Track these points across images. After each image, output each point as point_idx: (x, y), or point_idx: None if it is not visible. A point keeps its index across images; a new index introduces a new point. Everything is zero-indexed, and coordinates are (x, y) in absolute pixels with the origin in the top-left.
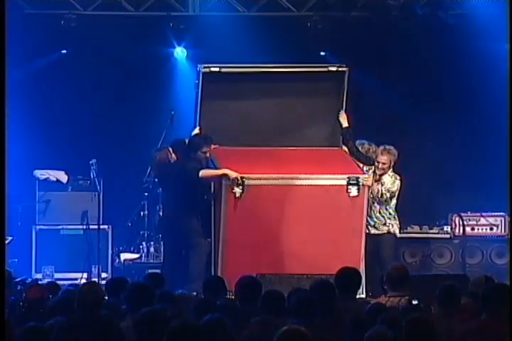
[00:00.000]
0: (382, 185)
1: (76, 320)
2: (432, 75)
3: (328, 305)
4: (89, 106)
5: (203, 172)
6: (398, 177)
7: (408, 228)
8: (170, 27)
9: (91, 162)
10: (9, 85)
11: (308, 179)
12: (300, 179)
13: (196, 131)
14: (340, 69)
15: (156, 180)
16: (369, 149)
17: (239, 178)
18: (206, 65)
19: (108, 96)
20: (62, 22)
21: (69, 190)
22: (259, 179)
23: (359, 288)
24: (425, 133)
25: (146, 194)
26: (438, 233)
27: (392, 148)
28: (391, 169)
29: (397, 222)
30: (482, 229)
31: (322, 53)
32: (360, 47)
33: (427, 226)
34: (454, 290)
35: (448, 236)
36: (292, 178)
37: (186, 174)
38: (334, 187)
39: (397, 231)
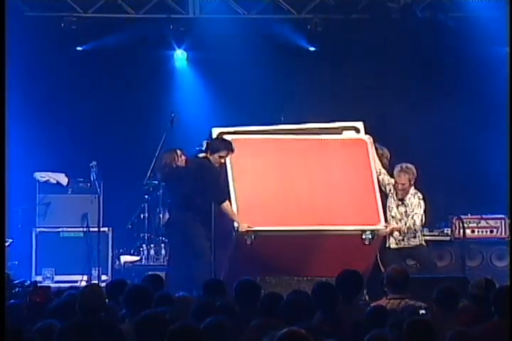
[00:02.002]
0: (405, 206)
1: (78, 322)
2: (432, 77)
3: (330, 307)
4: (90, 109)
5: (224, 206)
6: (421, 196)
7: None
8: (170, 29)
9: (91, 164)
10: (9, 87)
11: (322, 231)
12: (312, 231)
13: (216, 132)
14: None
15: (159, 181)
16: (382, 155)
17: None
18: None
19: (108, 99)
20: (63, 24)
21: (69, 192)
22: (271, 231)
23: (360, 291)
24: (425, 136)
25: (146, 196)
26: (438, 235)
27: (409, 166)
28: (412, 187)
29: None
30: (482, 232)
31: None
32: (360, 50)
33: (427, 229)
34: (451, 290)
35: (448, 238)
36: (305, 230)
37: (209, 189)
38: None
39: (424, 244)
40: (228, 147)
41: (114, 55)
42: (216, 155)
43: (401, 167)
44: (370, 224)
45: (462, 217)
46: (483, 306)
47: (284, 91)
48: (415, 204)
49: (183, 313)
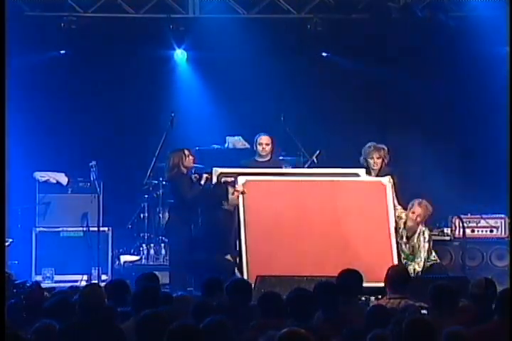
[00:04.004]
0: (412, 247)
1: (77, 322)
2: (432, 77)
3: (330, 307)
4: (90, 108)
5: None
6: (427, 237)
7: None
8: (170, 29)
9: (91, 164)
10: (9, 86)
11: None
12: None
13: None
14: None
15: (165, 182)
16: (384, 156)
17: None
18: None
19: (108, 98)
20: (63, 24)
21: (69, 192)
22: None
23: (360, 290)
24: (425, 135)
25: (146, 196)
26: (438, 235)
27: (425, 203)
28: (422, 225)
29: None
30: (482, 231)
31: (324, 54)
32: (360, 50)
33: (427, 228)
34: (446, 289)
35: (448, 238)
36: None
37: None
38: None
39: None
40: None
41: (114, 55)
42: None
43: (420, 202)
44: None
45: (462, 216)
46: (483, 306)
47: (284, 91)
48: (421, 246)
49: (182, 312)
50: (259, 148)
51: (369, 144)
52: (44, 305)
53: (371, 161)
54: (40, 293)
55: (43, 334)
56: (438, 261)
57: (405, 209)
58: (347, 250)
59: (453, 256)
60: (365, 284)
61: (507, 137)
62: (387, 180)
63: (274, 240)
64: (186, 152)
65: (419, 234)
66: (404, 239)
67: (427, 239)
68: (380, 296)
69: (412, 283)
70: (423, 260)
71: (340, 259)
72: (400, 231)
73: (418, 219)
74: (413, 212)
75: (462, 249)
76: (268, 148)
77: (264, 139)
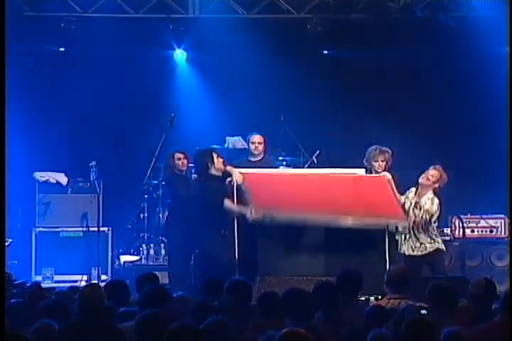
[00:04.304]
0: (421, 207)
1: (77, 322)
2: (432, 77)
3: (330, 307)
4: (89, 108)
5: (226, 204)
6: (437, 201)
7: None
8: (170, 29)
9: (91, 164)
10: (9, 87)
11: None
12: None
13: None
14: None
15: (163, 183)
16: (389, 159)
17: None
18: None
19: (108, 98)
20: (62, 24)
21: (69, 192)
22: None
23: (360, 290)
24: (424, 136)
25: (146, 196)
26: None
27: (440, 168)
28: (430, 191)
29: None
30: (482, 231)
31: (325, 52)
32: (360, 50)
33: None
34: (445, 289)
35: (448, 238)
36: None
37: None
38: None
39: (443, 247)
40: (215, 151)
41: (114, 55)
42: (216, 166)
43: (433, 167)
44: (394, 218)
45: (462, 216)
46: (483, 306)
47: (284, 91)
48: (430, 204)
49: (182, 313)
50: (252, 146)
51: (373, 147)
52: (42, 304)
53: (376, 164)
54: (42, 293)
55: (42, 335)
56: (441, 246)
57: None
58: (349, 192)
59: (453, 257)
60: (369, 221)
61: (507, 137)
62: (388, 175)
63: (273, 185)
64: (181, 156)
65: (429, 198)
66: (414, 203)
67: (438, 203)
68: (379, 296)
69: (412, 283)
70: (437, 212)
71: (343, 199)
72: (405, 200)
73: (432, 178)
74: (428, 175)
75: (462, 249)
76: (260, 147)
77: (256, 138)
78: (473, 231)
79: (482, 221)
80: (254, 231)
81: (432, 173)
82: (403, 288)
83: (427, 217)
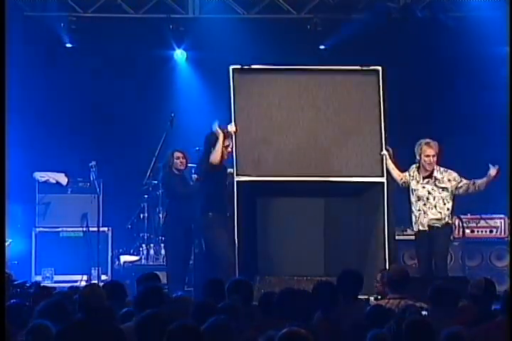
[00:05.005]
0: (435, 180)
1: (77, 322)
2: (432, 77)
3: (330, 307)
4: (89, 108)
5: (213, 157)
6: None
7: (408, 230)
8: (170, 29)
9: (91, 164)
10: (9, 87)
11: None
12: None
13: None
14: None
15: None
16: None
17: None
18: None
19: (108, 99)
20: (63, 24)
21: (68, 192)
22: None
23: (360, 290)
24: (424, 135)
25: (145, 196)
26: None
27: (431, 141)
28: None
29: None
30: (482, 232)
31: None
32: (359, 50)
33: None
34: (444, 289)
35: None
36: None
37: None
38: None
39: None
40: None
41: (114, 55)
42: (220, 147)
43: (425, 142)
44: (372, 176)
45: (462, 216)
46: (483, 306)
47: None
48: (447, 177)
49: (182, 313)
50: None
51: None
52: (42, 305)
53: (427, 159)
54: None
55: (37, 335)
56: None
57: None
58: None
59: (452, 257)
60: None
61: (507, 137)
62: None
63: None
64: (180, 155)
65: (439, 171)
66: (424, 179)
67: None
68: (379, 296)
69: (412, 283)
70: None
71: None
72: (411, 178)
73: (434, 159)
74: (427, 155)
75: (462, 249)
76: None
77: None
78: (473, 231)
79: (482, 221)
80: (253, 211)
81: (430, 153)
82: (403, 288)
83: (452, 186)
